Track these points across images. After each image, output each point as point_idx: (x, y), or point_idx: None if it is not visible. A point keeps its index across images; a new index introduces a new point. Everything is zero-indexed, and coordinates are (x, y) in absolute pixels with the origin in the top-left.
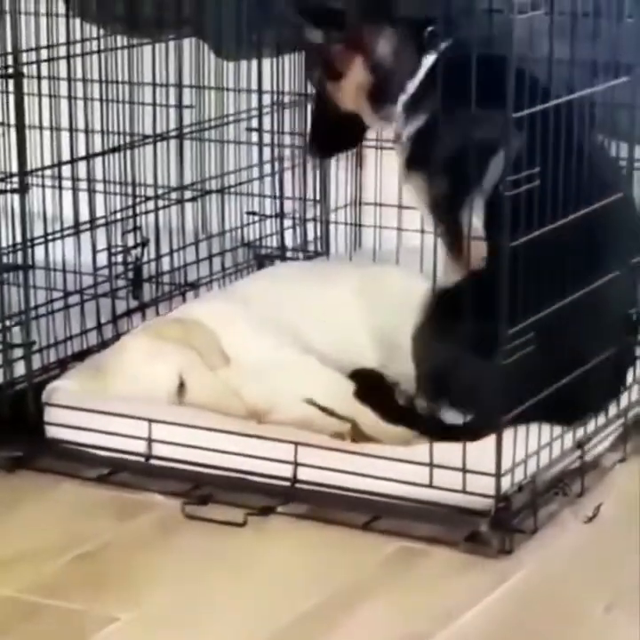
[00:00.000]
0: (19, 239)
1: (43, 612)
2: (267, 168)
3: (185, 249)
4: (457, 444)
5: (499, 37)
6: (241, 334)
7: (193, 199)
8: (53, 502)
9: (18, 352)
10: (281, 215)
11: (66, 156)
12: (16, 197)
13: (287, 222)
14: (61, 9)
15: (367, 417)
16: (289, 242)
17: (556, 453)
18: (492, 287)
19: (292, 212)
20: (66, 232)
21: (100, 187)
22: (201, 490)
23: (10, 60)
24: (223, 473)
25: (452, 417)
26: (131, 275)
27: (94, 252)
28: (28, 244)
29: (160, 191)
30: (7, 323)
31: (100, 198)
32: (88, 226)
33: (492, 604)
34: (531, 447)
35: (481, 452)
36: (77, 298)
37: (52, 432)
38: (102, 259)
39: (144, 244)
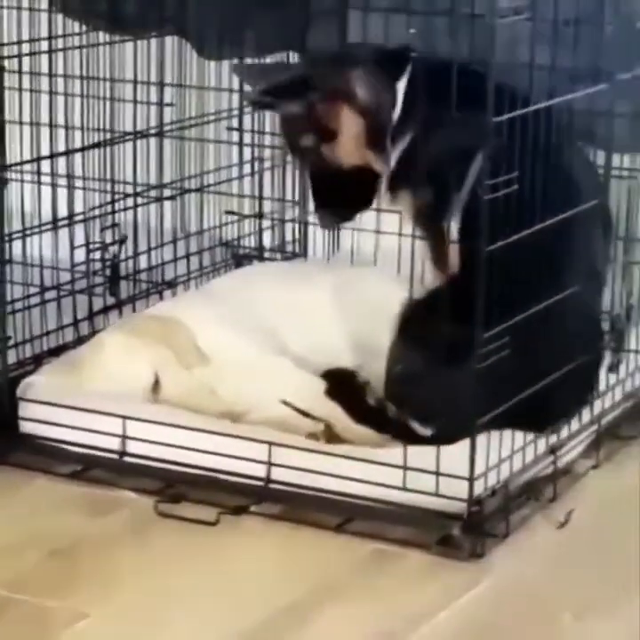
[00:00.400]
0: None
1: (13, 607)
2: (246, 168)
3: (163, 247)
4: (431, 448)
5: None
6: (217, 333)
7: (172, 197)
8: (26, 497)
9: None
10: (260, 215)
11: (45, 152)
12: None
13: (266, 222)
14: (44, 4)
15: (341, 418)
16: (267, 242)
17: (529, 459)
18: (466, 292)
19: (271, 212)
20: (44, 227)
21: (79, 183)
22: (174, 488)
23: None
24: (197, 471)
25: (418, 427)
26: (108, 271)
27: (72, 248)
28: (6, 238)
29: (139, 189)
30: None
31: (79, 194)
32: (66, 222)
33: (463, 606)
34: (504, 452)
35: (454, 455)
36: (54, 293)
37: (26, 427)
38: (80, 255)
39: (122, 241)
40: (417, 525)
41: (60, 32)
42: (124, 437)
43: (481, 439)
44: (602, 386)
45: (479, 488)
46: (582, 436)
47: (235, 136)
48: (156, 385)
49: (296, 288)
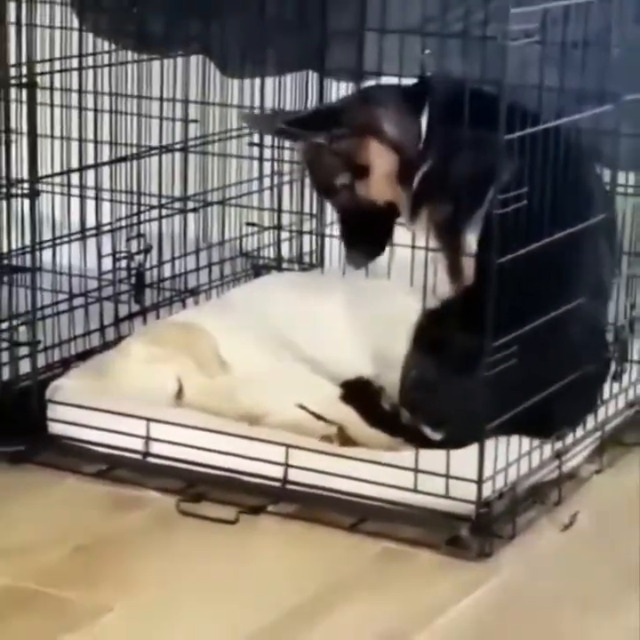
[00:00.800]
0: (28, 242)
1: (41, 599)
2: (266, 182)
3: (186, 257)
4: (441, 452)
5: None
6: (237, 341)
7: (195, 209)
8: (54, 496)
9: (24, 350)
10: (278, 227)
11: (75, 165)
12: (26, 202)
13: (284, 234)
14: (75, 23)
15: (354, 423)
16: (285, 253)
17: (535, 463)
18: (479, 303)
19: (290, 224)
20: (73, 237)
21: (106, 195)
22: (195, 488)
23: (24, 71)
24: (217, 472)
25: (429, 432)
26: (133, 280)
27: (99, 256)
28: (37, 247)
29: (164, 201)
30: (14, 322)
31: (106, 206)
32: (94, 232)
33: (470, 604)
34: (511, 456)
35: (464, 459)
36: (82, 300)
37: (54, 428)
38: (107, 263)
39: (147, 250)
40: (427, 526)
41: (90, 51)
42: (148, 439)
43: (489, 444)
44: (605, 394)
45: (487, 491)
46: (586, 442)
47: (255, 151)
48: (180, 392)
49: (313, 298)
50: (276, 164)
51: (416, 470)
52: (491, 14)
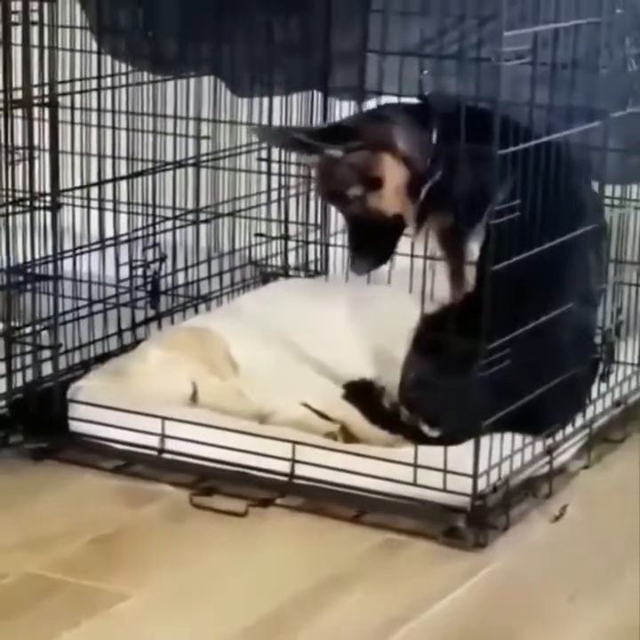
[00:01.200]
0: (50, 252)
1: (62, 588)
2: (274, 195)
3: (198, 265)
4: (439, 448)
5: (485, 83)
6: (246, 344)
7: (207, 221)
8: (74, 490)
9: (46, 353)
10: (285, 237)
11: (94, 179)
12: (48, 215)
13: (291, 244)
14: (94, 46)
15: (356, 421)
16: (292, 261)
17: (527, 458)
18: (475, 308)
19: (296, 234)
20: (92, 247)
21: (123, 207)
22: (207, 482)
23: (46, 91)
24: (228, 467)
25: (427, 430)
26: (149, 287)
27: (117, 265)
28: (58, 256)
29: (178, 213)
30: (37, 327)
31: (123, 217)
32: (112, 242)
33: (466, 592)
34: (505, 452)
35: (460, 455)
36: (101, 306)
37: (74, 426)
38: (124, 272)
39: (162, 259)
40: (425, 517)
41: (108, 72)
42: (163, 436)
43: (484, 440)
44: (593, 394)
45: (482, 484)
46: (575, 438)
47: (263, 166)
48: (195, 394)
49: (317, 303)
50: (283, 178)
51: (415, 465)
52: (485, 37)
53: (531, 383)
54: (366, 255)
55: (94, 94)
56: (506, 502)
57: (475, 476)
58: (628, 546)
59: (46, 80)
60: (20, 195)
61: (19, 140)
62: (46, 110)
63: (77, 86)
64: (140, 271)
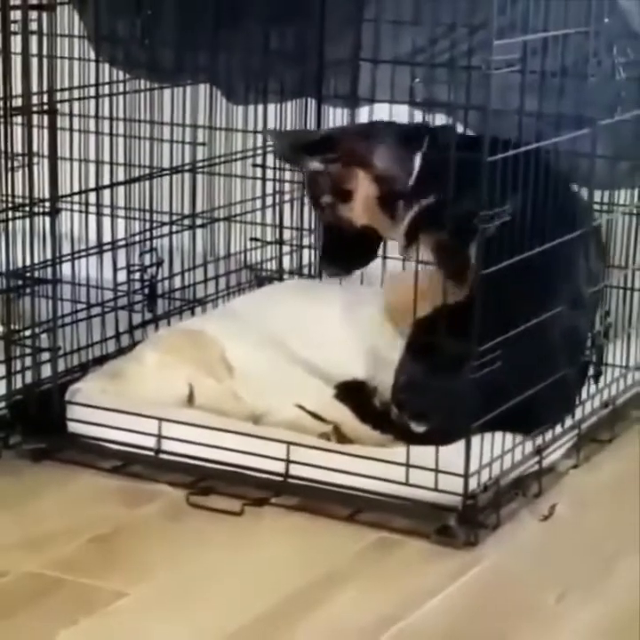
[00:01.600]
0: (49, 256)
1: (62, 586)
2: (269, 200)
3: (195, 269)
4: (431, 448)
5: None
6: (241, 346)
7: (203, 225)
8: (73, 490)
9: (45, 356)
10: (280, 242)
11: (92, 185)
12: (47, 220)
13: (285, 248)
14: (92, 55)
15: (348, 421)
16: (286, 265)
17: (517, 458)
18: (467, 311)
19: (290, 239)
20: (90, 251)
21: (121, 212)
22: (204, 482)
23: (45, 98)
24: (224, 467)
25: (414, 426)
26: (146, 290)
27: (115, 269)
28: (57, 261)
29: (174, 218)
30: (36, 330)
31: (121, 222)
32: (110, 246)
33: (458, 589)
34: (495, 452)
35: (451, 455)
36: (99, 310)
37: (73, 427)
38: (122, 276)
39: (159, 263)
40: (418, 516)
41: (106, 80)
42: (160, 437)
43: (475, 440)
44: (583, 395)
45: (473, 484)
46: (565, 439)
47: (258, 172)
48: (191, 396)
49: (311, 305)
50: (277, 183)
51: (407, 465)
52: (475, 46)
53: (520, 383)
54: (334, 260)
55: (92, 102)
56: (496, 501)
57: (466, 476)
58: (616, 545)
59: (45, 88)
60: (20, 200)
61: (18, 147)
62: (45, 117)
63: (76, 94)
64: (137, 275)
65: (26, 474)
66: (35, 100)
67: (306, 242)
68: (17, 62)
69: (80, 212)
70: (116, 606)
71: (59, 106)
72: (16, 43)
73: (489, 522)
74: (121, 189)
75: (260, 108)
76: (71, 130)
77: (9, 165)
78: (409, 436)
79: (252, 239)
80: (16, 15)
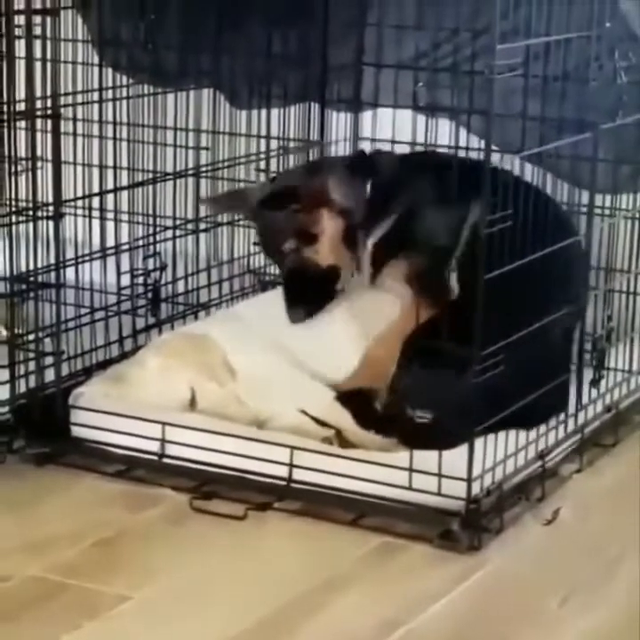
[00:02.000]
0: (52, 261)
1: (65, 590)
2: None
3: (198, 273)
4: (434, 452)
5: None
6: (244, 351)
7: (206, 230)
8: (76, 494)
9: (49, 360)
10: None
11: (96, 189)
12: (51, 224)
13: None
14: (95, 59)
15: (350, 426)
16: None
17: (520, 463)
18: (464, 315)
19: None
20: (94, 256)
21: (125, 217)
22: (207, 486)
23: (49, 103)
24: (227, 472)
25: (418, 414)
26: (150, 295)
27: (118, 273)
28: (61, 265)
29: (178, 222)
30: (40, 334)
31: (124, 227)
32: (113, 251)
33: (461, 594)
34: (498, 456)
35: (454, 459)
36: (102, 314)
37: (76, 432)
38: (125, 280)
39: (162, 268)
40: (421, 521)
41: (109, 84)
42: (163, 441)
43: (478, 445)
44: (585, 399)
45: (476, 488)
46: (567, 443)
47: (262, 177)
48: (193, 400)
49: None
50: None
51: (411, 470)
52: (478, 50)
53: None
54: (301, 305)
55: (96, 106)
56: (499, 506)
57: (469, 481)
58: (619, 549)
59: (49, 92)
60: (24, 204)
61: (22, 151)
62: (49, 122)
63: (79, 98)
64: (140, 279)
65: (29, 478)
66: (38, 104)
67: None
68: (21, 67)
69: (84, 216)
70: (120, 610)
71: (62, 110)
72: (20, 47)
73: (492, 526)
74: (124, 194)
75: (264, 112)
76: (75, 134)
77: (13, 170)
78: (413, 434)
79: (255, 244)
80: (20, 20)
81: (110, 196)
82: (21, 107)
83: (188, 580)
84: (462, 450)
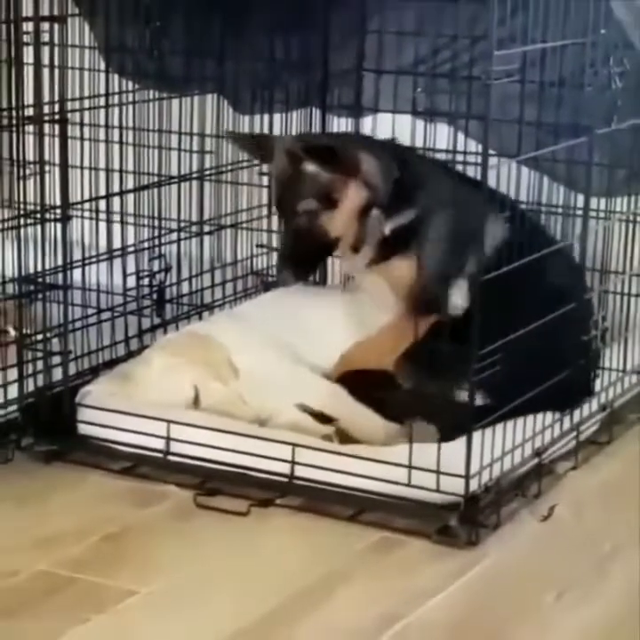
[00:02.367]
0: (60, 262)
1: (72, 584)
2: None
3: (202, 275)
4: (432, 449)
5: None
6: (248, 350)
7: (210, 232)
8: (83, 491)
9: (56, 360)
10: None
11: (102, 192)
12: (59, 226)
13: None
14: (102, 65)
15: (354, 417)
16: None
17: (517, 460)
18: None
19: None
20: (100, 257)
21: (130, 219)
22: (211, 483)
23: (57, 108)
24: (230, 469)
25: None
26: (155, 296)
27: (124, 275)
28: (68, 267)
29: (182, 225)
30: (48, 334)
31: (130, 229)
32: (119, 253)
33: (458, 588)
34: (496, 454)
35: (453, 456)
36: (109, 314)
37: (83, 429)
38: (131, 281)
39: (167, 269)
40: (419, 517)
41: (115, 90)
42: (168, 439)
43: (476, 443)
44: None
45: (474, 485)
46: (563, 441)
47: (265, 180)
48: (197, 398)
49: (316, 309)
50: None
51: (410, 466)
52: (476, 56)
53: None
54: (294, 268)
55: (102, 111)
56: (497, 502)
57: (467, 477)
58: (614, 545)
59: (56, 98)
60: (32, 207)
61: (30, 155)
62: (56, 126)
63: (86, 103)
64: (146, 281)
65: (37, 475)
66: (46, 109)
67: None
68: (29, 73)
69: (90, 219)
70: (126, 604)
71: (69, 115)
72: (28, 53)
73: (489, 522)
74: (130, 197)
75: (266, 117)
76: (82, 139)
77: (21, 173)
78: (417, 410)
79: (258, 246)
80: (28, 27)
81: (116, 199)
82: (29, 112)
83: (192, 575)
84: (461, 446)
